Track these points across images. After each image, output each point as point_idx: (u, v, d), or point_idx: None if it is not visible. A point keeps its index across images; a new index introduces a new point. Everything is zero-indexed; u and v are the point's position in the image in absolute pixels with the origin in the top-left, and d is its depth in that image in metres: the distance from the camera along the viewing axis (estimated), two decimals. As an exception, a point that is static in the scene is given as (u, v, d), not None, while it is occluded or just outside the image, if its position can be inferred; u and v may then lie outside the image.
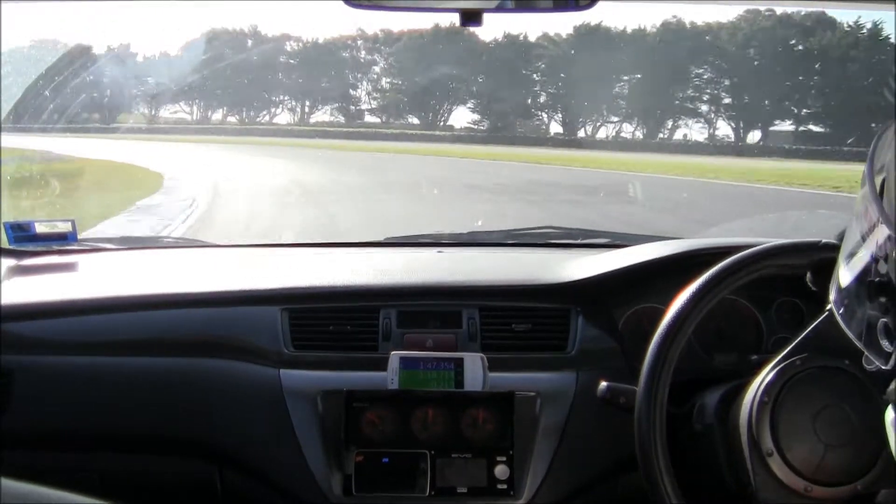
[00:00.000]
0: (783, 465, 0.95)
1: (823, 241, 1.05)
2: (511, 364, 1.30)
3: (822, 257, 1.04)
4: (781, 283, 1.21)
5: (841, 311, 0.78)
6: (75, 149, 11.17)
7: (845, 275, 0.77)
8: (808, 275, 1.07)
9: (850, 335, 0.77)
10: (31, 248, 1.64)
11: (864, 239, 0.73)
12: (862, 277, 0.74)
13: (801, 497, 0.95)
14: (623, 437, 1.07)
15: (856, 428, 0.95)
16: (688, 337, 1.05)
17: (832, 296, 0.80)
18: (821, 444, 0.94)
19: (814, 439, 0.95)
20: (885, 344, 0.72)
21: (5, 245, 1.63)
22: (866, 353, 0.75)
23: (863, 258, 0.73)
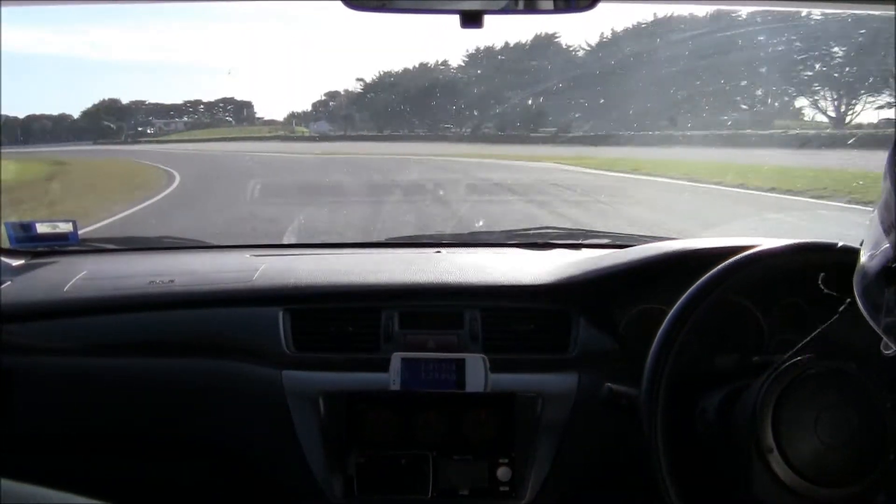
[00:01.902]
0: (783, 463, 0.95)
1: (840, 244, 1.05)
2: (512, 365, 1.30)
3: (838, 260, 1.03)
4: (783, 284, 1.21)
5: (863, 299, 0.79)
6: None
7: (868, 264, 0.78)
8: (821, 276, 1.06)
9: (871, 322, 0.78)
10: (32, 248, 1.64)
11: (886, 229, 0.74)
12: (883, 266, 0.75)
13: (800, 497, 0.95)
14: (625, 438, 1.07)
15: (857, 430, 0.95)
16: (689, 338, 1.04)
17: (855, 286, 0.81)
18: (822, 445, 0.94)
19: (815, 439, 0.95)
20: None
21: (6, 245, 1.63)
22: (885, 338, 0.76)
23: (885, 248, 0.74)
